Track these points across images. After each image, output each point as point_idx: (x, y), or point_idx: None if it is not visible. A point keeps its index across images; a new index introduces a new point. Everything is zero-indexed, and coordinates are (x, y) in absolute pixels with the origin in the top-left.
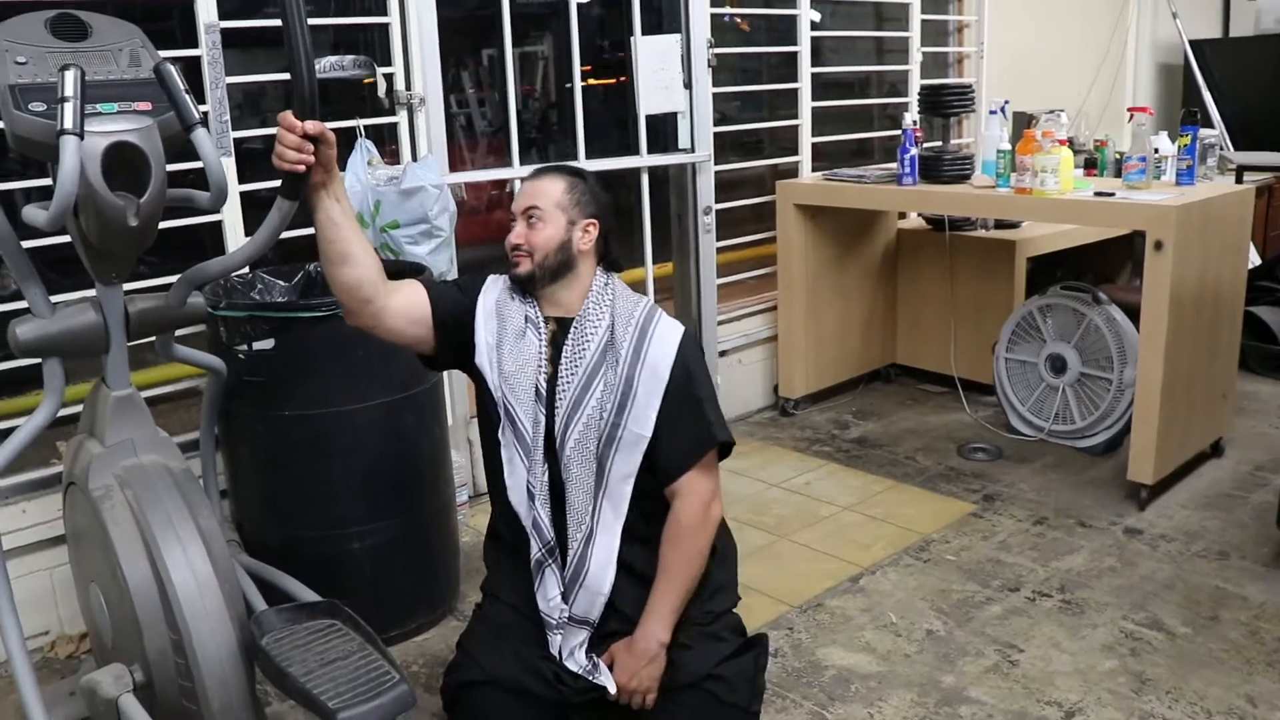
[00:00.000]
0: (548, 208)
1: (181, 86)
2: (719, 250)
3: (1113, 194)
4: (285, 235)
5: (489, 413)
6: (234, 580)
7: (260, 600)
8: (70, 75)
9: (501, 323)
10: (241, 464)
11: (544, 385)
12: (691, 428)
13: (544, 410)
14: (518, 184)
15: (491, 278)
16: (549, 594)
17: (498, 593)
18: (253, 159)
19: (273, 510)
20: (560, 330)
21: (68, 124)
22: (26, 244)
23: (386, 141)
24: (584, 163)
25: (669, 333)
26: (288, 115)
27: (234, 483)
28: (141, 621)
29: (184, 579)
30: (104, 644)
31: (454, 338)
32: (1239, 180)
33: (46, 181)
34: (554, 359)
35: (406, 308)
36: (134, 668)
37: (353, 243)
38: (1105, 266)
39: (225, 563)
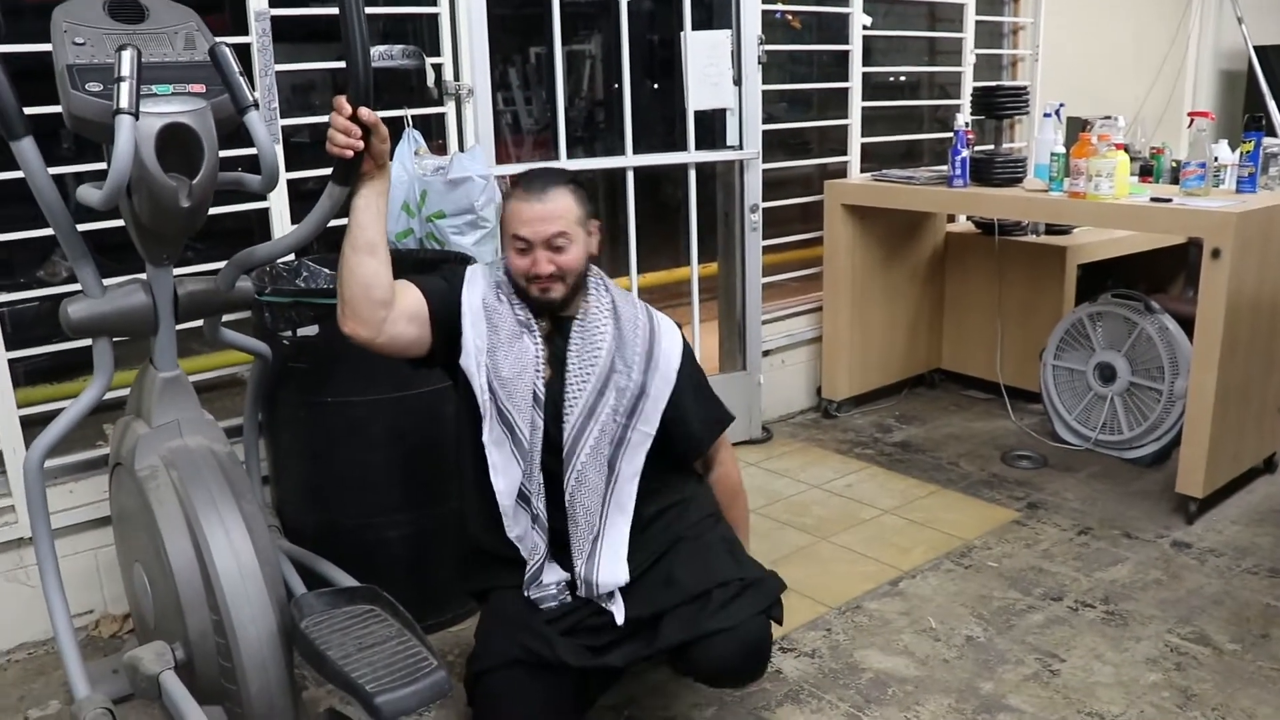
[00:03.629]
0: (570, 228)
1: (236, 69)
2: (765, 250)
3: (1169, 200)
4: (333, 223)
5: (472, 414)
6: (275, 563)
7: (300, 584)
8: (127, 55)
9: (492, 326)
10: (283, 449)
11: (541, 390)
12: (711, 409)
13: (541, 414)
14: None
15: (472, 269)
16: (545, 584)
17: (498, 584)
18: (300, 150)
19: (313, 496)
20: (556, 330)
21: (123, 103)
22: (80, 227)
23: (434, 132)
24: (631, 159)
25: (671, 335)
26: (340, 99)
27: (275, 468)
28: (183, 601)
29: (226, 561)
30: (146, 623)
31: (445, 331)
32: None
33: (101, 165)
34: (551, 360)
35: (406, 307)
36: (175, 646)
37: (381, 236)
38: (1157, 275)
39: (267, 546)
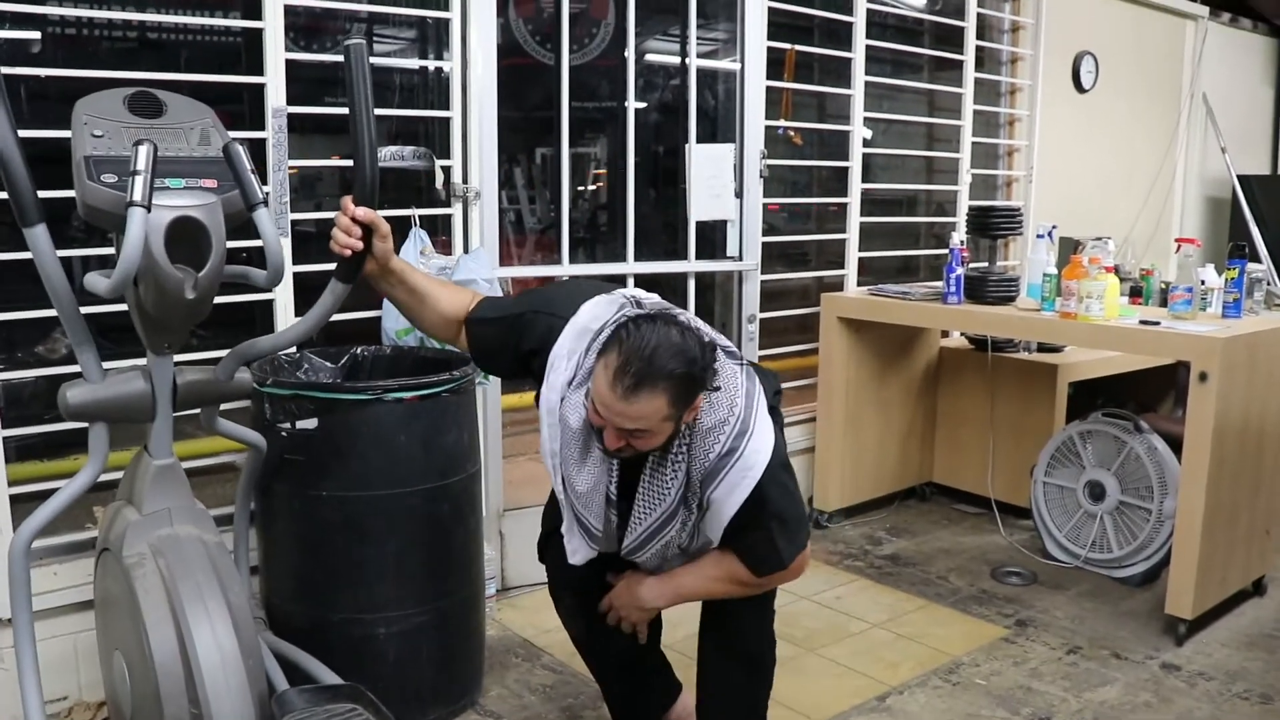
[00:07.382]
0: (654, 426)
1: (248, 166)
2: (761, 359)
3: (1158, 323)
4: (335, 318)
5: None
6: (259, 657)
7: (282, 680)
8: (144, 150)
9: (565, 440)
10: (275, 541)
11: (614, 491)
12: (765, 545)
13: (615, 512)
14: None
15: (561, 347)
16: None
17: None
18: (307, 241)
19: (302, 590)
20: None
21: (136, 196)
22: (82, 310)
23: (440, 232)
24: (633, 265)
25: (745, 475)
26: (347, 199)
27: (265, 560)
28: (163, 693)
29: (209, 653)
30: (122, 713)
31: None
32: None
33: (107, 250)
34: (625, 465)
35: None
36: None
37: (415, 313)
38: (1147, 395)
39: (251, 640)
